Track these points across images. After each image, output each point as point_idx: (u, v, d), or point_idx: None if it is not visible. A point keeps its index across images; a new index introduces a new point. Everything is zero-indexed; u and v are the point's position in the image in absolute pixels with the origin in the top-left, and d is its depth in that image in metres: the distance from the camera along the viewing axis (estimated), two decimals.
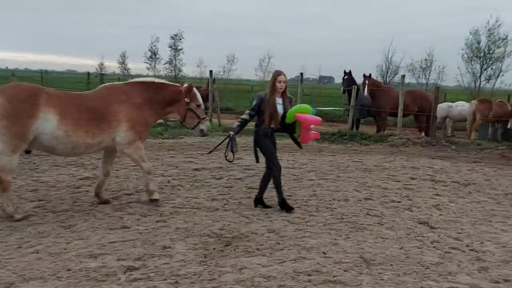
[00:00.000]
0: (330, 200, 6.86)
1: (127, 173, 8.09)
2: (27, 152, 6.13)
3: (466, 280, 4.26)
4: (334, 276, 4.17)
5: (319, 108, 27.48)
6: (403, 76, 14.75)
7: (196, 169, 8.70)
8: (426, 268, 4.49)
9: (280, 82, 6.05)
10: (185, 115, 6.34)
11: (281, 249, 4.79)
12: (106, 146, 5.90)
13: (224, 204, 6.38)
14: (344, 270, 4.34)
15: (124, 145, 5.90)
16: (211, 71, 15.82)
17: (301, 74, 15.45)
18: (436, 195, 7.60)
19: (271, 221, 5.73)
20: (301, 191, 7.36)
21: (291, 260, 4.50)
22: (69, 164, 8.58)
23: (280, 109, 6.09)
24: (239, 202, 6.51)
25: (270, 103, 6.03)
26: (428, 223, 5.97)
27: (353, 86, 14.81)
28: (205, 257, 4.48)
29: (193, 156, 10.12)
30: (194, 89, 6.40)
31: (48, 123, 5.24)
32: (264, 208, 6.24)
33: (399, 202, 6.96)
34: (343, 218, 5.99)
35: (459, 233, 5.67)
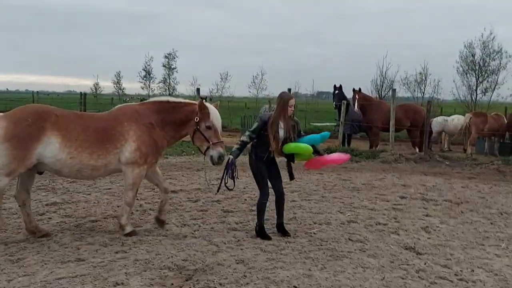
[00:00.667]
0: (310, 224, 6.39)
1: (98, 197, 7.63)
2: (39, 173, 5.87)
3: None
4: None
5: (313, 124, 27.34)
6: (394, 90, 14.36)
7: (173, 191, 8.22)
8: None
9: (291, 106, 5.70)
10: (193, 137, 5.73)
11: (247, 283, 4.31)
12: (115, 168, 5.57)
13: (195, 230, 5.91)
14: None
15: (127, 165, 5.49)
16: (198, 89, 15.45)
17: (289, 89, 15.07)
18: (426, 215, 7.14)
19: (242, 249, 5.26)
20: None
21: None
22: (39, 188, 8.12)
23: (281, 133, 5.68)
24: (211, 228, 6.04)
25: (275, 127, 5.63)
26: (414, 248, 5.49)
27: (343, 101, 14.44)
28: None
29: (174, 177, 9.67)
30: (209, 107, 5.67)
31: (50, 146, 5.12)
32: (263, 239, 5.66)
33: (385, 224, 6.49)
34: (321, 245, 5.51)
35: (448, 259, 5.19)
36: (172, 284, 4.25)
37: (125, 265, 4.63)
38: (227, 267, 4.68)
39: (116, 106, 6.00)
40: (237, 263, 4.82)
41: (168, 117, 5.66)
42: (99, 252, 5.03)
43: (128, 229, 5.64)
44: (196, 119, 5.59)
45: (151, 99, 6.09)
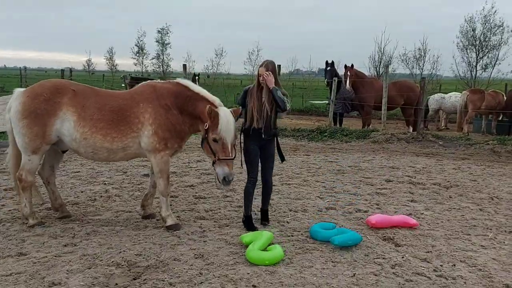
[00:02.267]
0: (285, 212, 5.94)
1: (63, 181, 7.17)
2: (63, 151, 5.54)
3: None
4: None
5: (310, 102, 26.68)
6: (387, 67, 13.75)
7: (146, 175, 7.77)
8: None
9: (260, 75, 5.07)
10: (202, 142, 5.08)
11: (201, 282, 3.87)
12: (137, 152, 5.12)
13: (158, 219, 5.46)
14: None
15: (147, 151, 5.02)
16: (184, 65, 14.79)
17: (279, 66, 14.42)
18: (411, 201, 6.69)
19: (204, 241, 4.81)
20: (256, 200, 6.41)
21: None
22: (2, 171, 7.66)
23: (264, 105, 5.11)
24: (177, 217, 5.59)
25: (253, 97, 5.12)
26: (393, 239, 5.05)
27: (334, 79, 13.82)
28: None
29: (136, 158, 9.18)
30: (221, 117, 4.78)
31: (66, 123, 4.91)
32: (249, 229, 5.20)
33: (365, 211, 6.04)
34: (292, 235, 5.07)
35: (428, 252, 4.75)
36: (116, 284, 3.81)
37: (70, 261, 4.20)
38: (183, 263, 4.25)
39: (141, 83, 5.43)
40: (196, 257, 4.39)
41: (183, 105, 5.05)
42: (45, 245, 4.59)
43: (170, 221, 5.14)
44: (206, 126, 4.86)
45: (175, 80, 5.33)
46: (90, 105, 4.95)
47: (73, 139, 4.93)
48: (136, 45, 52.00)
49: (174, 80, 5.33)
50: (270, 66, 5.11)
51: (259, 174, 5.36)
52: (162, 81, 5.43)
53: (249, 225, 5.27)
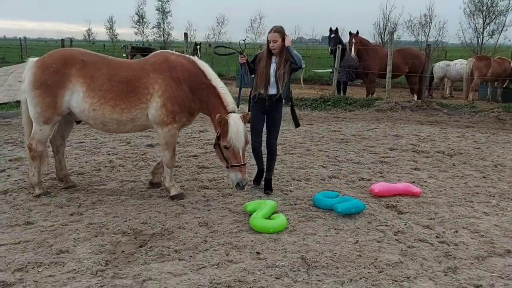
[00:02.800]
0: (288, 180, 5.96)
1: (67, 152, 7.19)
2: (77, 122, 5.58)
3: None
4: None
5: (314, 70, 26.36)
6: (391, 33, 13.49)
7: (149, 145, 7.80)
8: (379, 271, 3.63)
9: (270, 41, 5.08)
10: (214, 147, 5.00)
11: (206, 249, 3.93)
12: (146, 124, 5.07)
13: (162, 189, 5.50)
14: (276, 278, 3.49)
15: (155, 123, 4.96)
16: (185, 34, 14.55)
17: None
18: (415, 169, 6.70)
19: (208, 210, 4.86)
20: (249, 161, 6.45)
21: (212, 266, 3.65)
22: (6, 142, 7.69)
23: (272, 68, 5.16)
24: (181, 186, 5.63)
25: (261, 62, 5.15)
26: (396, 207, 5.09)
27: (338, 46, 13.59)
28: (106, 264, 3.63)
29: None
30: (231, 125, 4.63)
31: (75, 95, 4.88)
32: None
33: (368, 180, 6.06)
34: (295, 204, 5.11)
35: (431, 219, 4.79)
36: (123, 251, 3.88)
37: (76, 230, 4.26)
38: (188, 231, 4.30)
39: (153, 53, 5.32)
40: (200, 226, 4.44)
41: (197, 89, 4.90)
42: (52, 214, 4.65)
43: (173, 191, 5.16)
44: (217, 133, 4.77)
45: (192, 57, 5.12)
46: (100, 75, 4.88)
47: (81, 111, 4.91)
48: (136, 13, 51.14)
49: (191, 57, 5.13)
50: (283, 31, 5.13)
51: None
52: (176, 52, 5.30)
53: (257, 177, 5.49)
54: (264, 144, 5.49)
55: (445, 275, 3.62)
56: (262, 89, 5.18)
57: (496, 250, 4.08)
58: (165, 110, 4.86)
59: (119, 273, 3.50)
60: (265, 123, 5.41)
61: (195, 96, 4.95)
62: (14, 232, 4.20)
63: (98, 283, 3.34)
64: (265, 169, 5.58)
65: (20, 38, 33.85)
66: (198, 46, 22.11)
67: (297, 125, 5.58)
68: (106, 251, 3.85)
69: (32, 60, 5.08)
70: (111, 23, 58.25)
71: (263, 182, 5.59)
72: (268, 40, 5.14)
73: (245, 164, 4.77)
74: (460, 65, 15.92)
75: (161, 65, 4.94)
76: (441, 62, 17.33)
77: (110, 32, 57.58)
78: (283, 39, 5.10)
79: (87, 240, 4.05)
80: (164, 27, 49.23)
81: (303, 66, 5.21)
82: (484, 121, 11.08)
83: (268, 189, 5.47)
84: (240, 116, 4.75)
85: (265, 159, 5.61)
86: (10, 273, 3.44)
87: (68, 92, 4.87)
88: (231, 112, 4.76)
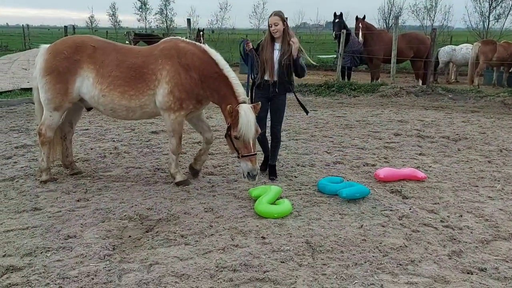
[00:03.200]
0: (292, 166, 5.98)
1: (73, 139, 7.20)
2: (88, 109, 5.62)
3: (430, 271, 3.43)
4: (264, 272, 3.36)
5: (318, 56, 26.17)
6: (397, 18, 13.34)
7: (153, 132, 7.82)
8: (384, 255, 3.66)
9: (271, 25, 5.03)
10: (225, 136, 4.91)
11: (212, 234, 3.97)
12: (155, 111, 5.04)
13: (167, 175, 5.53)
14: (281, 262, 3.52)
15: (162, 110, 4.93)
16: (188, 20, 14.47)
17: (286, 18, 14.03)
18: (419, 154, 6.69)
19: (213, 196, 4.89)
20: (263, 156, 6.46)
21: (218, 250, 3.69)
22: (12, 129, 7.73)
23: (276, 55, 5.11)
24: (185, 172, 5.65)
25: (265, 49, 5.10)
26: (401, 192, 5.10)
27: (342, 31, 13.47)
28: (113, 249, 3.67)
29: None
30: (241, 115, 4.53)
31: (85, 81, 4.90)
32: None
33: (373, 165, 6.06)
34: (300, 189, 5.13)
35: (435, 203, 4.80)
36: (130, 236, 3.92)
37: (83, 215, 4.30)
38: (194, 216, 4.34)
39: (164, 39, 5.29)
40: (206, 211, 4.47)
41: (207, 78, 4.81)
42: (59, 200, 4.69)
43: (179, 177, 5.17)
44: (228, 123, 4.71)
45: (204, 46, 5.01)
46: (110, 62, 4.87)
47: (91, 97, 4.92)
48: (138, 0, 50.83)
49: (202, 45, 5.04)
50: (283, 14, 5.10)
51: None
52: (187, 40, 5.24)
53: (263, 163, 5.55)
54: (268, 131, 5.49)
55: (450, 258, 3.64)
56: (267, 76, 5.16)
57: (500, 234, 4.10)
58: (172, 97, 4.82)
59: (126, 257, 3.55)
60: (269, 111, 5.39)
61: (205, 85, 4.86)
62: (22, 217, 4.25)
63: (105, 267, 3.38)
64: (270, 156, 5.58)
65: (22, 25, 33.74)
66: (201, 33, 21.95)
67: (306, 112, 5.54)
68: (113, 236, 3.90)
69: (44, 46, 5.11)
70: (113, 10, 58.06)
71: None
72: (269, 25, 5.09)
73: (255, 154, 4.71)
74: (466, 50, 15.76)
75: (170, 51, 4.89)
76: (446, 46, 17.16)
77: (112, 19, 57.43)
78: (284, 23, 5.06)
79: (94, 225, 4.10)
80: (166, 13, 49.07)
81: (305, 75, 5.19)
82: (489, 106, 11.01)
83: (272, 175, 5.49)
84: (251, 107, 4.68)
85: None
86: (19, 258, 3.50)
87: (79, 78, 4.89)
88: (242, 103, 4.69)
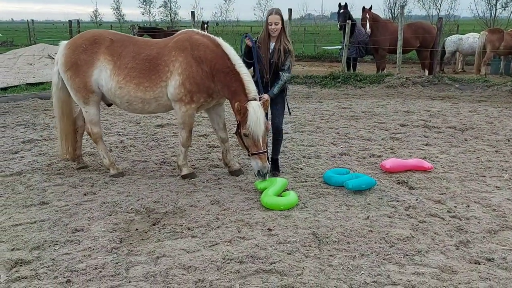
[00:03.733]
0: (298, 158, 5.97)
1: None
2: (108, 105, 5.60)
3: (437, 262, 3.42)
4: (271, 264, 3.37)
5: (324, 47, 26.01)
6: (402, 7, 13.19)
7: (159, 126, 7.83)
8: (390, 246, 3.66)
9: (271, 24, 4.91)
10: (235, 133, 4.82)
11: (218, 226, 3.98)
12: (169, 104, 5.02)
13: (174, 168, 5.55)
14: (287, 253, 3.53)
15: (173, 102, 4.92)
16: (192, 12, 14.42)
17: (290, 10, 13.96)
18: (426, 144, 6.65)
19: (219, 189, 4.90)
20: (269, 148, 6.44)
21: (225, 242, 3.70)
22: (18, 124, 7.78)
23: (270, 55, 5.00)
24: (192, 165, 5.67)
25: (262, 47, 4.99)
26: (407, 182, 5.08)
27: (348, 22, 13.35)
28: (120, 242, 3.70)
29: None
30: (250, 112, 4.49)
31: (103, 73, 4.93)
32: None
33: (379, 156, 6.04)
34: (306, 181, 5.13)
35: (442, 194, 4.78)
36: (137, 229, 3.94)
37: (90, 209, 4.33)
38: (200, 209, 4.35)
39: (179, 31, 5.28)
40: (212, 204, 4.48)
41: (219, 72, 4.74)
42: (66, 194, 4.72)
43: (185, 170, 5.18)
44: (237, 120, 4.69)
45: (218, 40, 4.93)
46: (127, 53, 4.90)
47: (109, 89, 4.93)
48: None
49: (216, 38, 4.97)
50: (282, 15, 5.02)
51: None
52: (201, 31, 5.18)
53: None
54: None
55: (457, 249, 3.63)
56: (265, 73, 5.06)
57: (508, 223, 4.07)
58: (183, 89, 4.81)
59: (133, 250, 3.57)
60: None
61: (217, 79, 4.80)
62: (29, 212, 4.28)
63: (113, 259, 3.41)
64: (272, 151, 5.50)
65: (27, 20, 33.78)
66: (206, 25, 21.85)
67: (289, 113, 5.44)
68: (120, 229, 3.92)
69: (63, 43, 5.18)
70: (117, 4, 57.94)
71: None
72: (268, 22, 4.98)
73: (265, 151, 4.67)
74: (472, 39, 15.58)
75: (184, 43, 4.87)
76: (453, 36, 16.97)
77: (116, 12, 57.34)
78: (282, 22, 5.01)
79: (101, 218, 4.12)
80: (170, 6, 48.93)
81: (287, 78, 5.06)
82: (496, 95, 10.91)
83: (275, 170, 5.39)
84: (260, 103, 4.61)
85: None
86: (27, 251, 3.53)
87: (96, 71, 4.92)
88: (251, 100, 4.62)
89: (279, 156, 5.51)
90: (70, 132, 5.40)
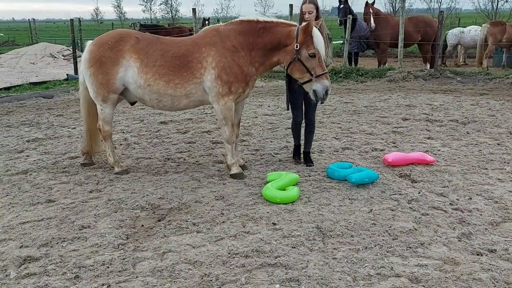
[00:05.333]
0: (301, 153, 5.98)
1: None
2: (131, 104, 5.62)
3: (440, 253, 3.46)
4: (275, 257, 3.41)
5: None
6: (403, 1, 13.17)
7: (162, 123, 7.88)
8: (393, 239, 3.70)
9: (305, 13, 4.97)
10: (290, 67, 4.80)
11: (223, 221, 4.03)
12: (201, 99, 5.05)
13: (178, 165, 5.60)
14: (292, 247, 3.57)
15: (212, 98, 4.93)
16: (194, 9, 14.43)
17: (290, 5, 13.95)
18: (428, 138, 6.68)
19: (224, 184, 4.94)
20: (272, 143, 6.51)
21: (230, 237, 3.74)
22: (23, 124, 7.84)
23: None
24: (196, 161, 5.72)
25: None
26: (410, 176, 5.11)
27: (348, 16, 13.34)
28: (127, 238, 3.75)
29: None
30: (314, 30, 4.59)
31: (130, 70, 4.94)
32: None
33: (381, 150, 6.07)
34: (310, 175, 5.17)
35: (445, 186, 4.81)
36: (143, 225, 4.00)
37: (96, 206, 4.38)
38: (205, 205, 4.40)
39: (203, 29, 5.30)
40: (217, 199, 4.53)
41: (256, 40, 4.78)
42: (71, 192, 4.78)
43: (235, 169, 5.11)
44: (296, 46, 4.64)
45: (237, 19, 5.06)
46: (153, 51, 4.92)
47: (138, 86, 4.95)
48: None
49: (236, 20, 5.06)
50: (316, 2, 5.07)
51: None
52: (223, 23, 5.23)
53: (294, 152, 5.65)
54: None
55: (459, 241, 3.66)
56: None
57: (510, 215, 4.10)
58: (220, 81, 4.80)
59: (140, 246, 3.62)
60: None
61: (256, 50, 4.83)
62: (36, 210, 4.34)
63: (120, 255, 3.46)
64: (303, 144, 5.62)
65: (29, 19, 33.83)
66: (207, 22, 21.85)
67: (288, 108, 5.54)
68: (126, 226, 3.97)
69: (89, 41, 5.23)
70: (118, 2, 57.92)
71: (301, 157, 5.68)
72: (302, 12, 5.00)
73: (327, 72, 4.79)
74: (474, 32, 15.55)
75: (213, 38, 4.89)
76: (455, 29, 16.94)
77: (117, 10, 57.34)
78: (317, 10, 5.03)
79: (107, 215, 4.17)
80: (171, 3, 48.89)
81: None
82: (498, 88, 10.90)
83: (309, 162, 5.49)
84: (314, 24, 4.67)
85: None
86: (35, 249, 3.58)
87: (121, 68, 4.92)
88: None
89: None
90: (95, 131, 5.42)
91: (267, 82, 12.49)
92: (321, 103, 4.98)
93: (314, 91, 4.74)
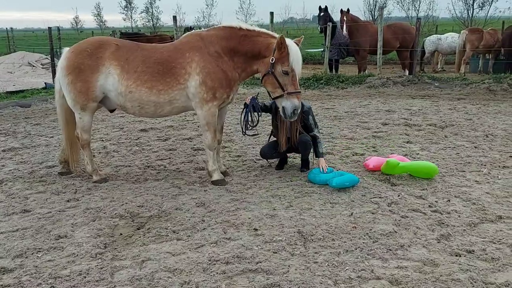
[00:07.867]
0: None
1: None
2: (111, 111, 5.50)
3: (419, 255, 3.48)
4: (256, 263, 3.38)
5: (306, 50, 26.20)
6: (382, 8, 13.40)
7: (142, 130, 7.80)
8: (374, 242, 3.71)
9: None
10: (264, 79, 4.79)
11: (204, 228, 3.98)
12: (185, 106, 4.99)
13: (158, 172, 5.54)
14: (273, 252, 3.55)
15: (195, 103, 4.86)
16: (174, 17, 14.40)
17: (271, 13, 14.04)
18: (407, 142, 6.76)
19: (205, 191, 4.90)
20: (254, 149, 6.50)
21: (211, 244, 3.70)
22: None
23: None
24: (176, 168, 5.67)
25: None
26: (389, 179, 5.15)
27: (328, 24, 13.49)
28: (105, 247, 3.67)
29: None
30: (290, 46, 4.57)
31: (110, 78, 4.83)
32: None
33: (362, 155, 6.12)
34: (291, 181, 5.16)
35: (423, 189, 4.87)
36: (121, 234, 3.92)
37: (74, 215, 4.29)
38: (185, 212, 4.35)
39: (185, 34, 5.23)
40: (197, 206, 4.48)
41: (237, 46, 4.77)
42: (48, 201, 4.67)
43: (216, 176, 5.06)
44: (272, 60, 4.64)
45: (221, 24, 5.04)
46: (134, 58, 4.83)
47: (119, 93, 4.84)
48: None
49: (219, 25, 5.04)
50: None
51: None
52: (205, 29, 5.20)
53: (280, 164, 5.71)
54: None
55: (438, 242, 3.70)
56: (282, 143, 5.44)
57: (487, 216, 4.17)
58: (205, 87, 4.75)
59: (118, 255, 3.55)
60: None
61: (238, 57, 4.82)
62: (11, 220, 4.22)
63: (97, 265, 3.38)
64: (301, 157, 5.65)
65: (6, 28, 33.24)
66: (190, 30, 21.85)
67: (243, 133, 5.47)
68: (105, 235, 3.89)
69: (66, 48, 5.10)
70: (98, 10, 57.57)
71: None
72: None
73: (300, 91, 4.78)
74: (451, 39, 15.90)
75: (196, 43, 4.84)
76: (432, 36, 17.29)
77: (98, 19, 56.94)
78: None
79: (85, 224, 4.09)
80: (152, 11, 48.75)
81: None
82: (475, 93, 11.14)
83: (303, 167, 5.56)
84: (294, 41, 4.69)
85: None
86: (10, 259, 3.48)
87: (101, 76, 4.82)
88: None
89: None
90: (75, 140, 5.29)
91: (250, 89, 12.50)
92: (285, 117, 4.86)
93: (283, 107, 4.74)
